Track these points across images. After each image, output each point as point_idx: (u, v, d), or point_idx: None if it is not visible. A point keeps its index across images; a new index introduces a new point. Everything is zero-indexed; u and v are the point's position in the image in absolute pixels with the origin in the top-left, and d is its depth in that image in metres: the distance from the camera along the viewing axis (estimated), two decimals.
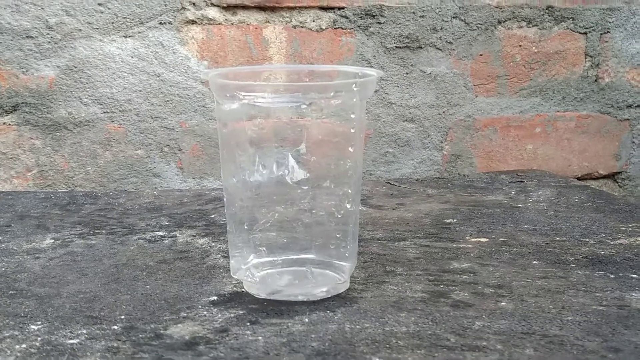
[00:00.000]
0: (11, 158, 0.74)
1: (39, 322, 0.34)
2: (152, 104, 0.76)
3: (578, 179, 0.84)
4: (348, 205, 0.38)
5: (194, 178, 0.78)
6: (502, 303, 0.36)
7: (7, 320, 0.34)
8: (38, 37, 0.72)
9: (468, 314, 0.35)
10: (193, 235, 0.51)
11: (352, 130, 0.37)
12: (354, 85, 0.36)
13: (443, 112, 0.81)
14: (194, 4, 0.75)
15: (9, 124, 0.74)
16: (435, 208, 0.59)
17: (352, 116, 0.37)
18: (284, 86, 0.39)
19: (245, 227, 0.38)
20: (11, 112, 0.74)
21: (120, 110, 0.75)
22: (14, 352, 0.31)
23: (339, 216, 0.37)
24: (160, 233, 0.51)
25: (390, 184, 0.71)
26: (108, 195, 0.66)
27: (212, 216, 0.57)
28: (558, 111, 0.83)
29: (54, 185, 0.75)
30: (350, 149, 0.37)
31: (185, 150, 0.77)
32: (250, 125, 0.37)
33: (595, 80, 0.84)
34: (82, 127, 0.75)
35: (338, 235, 0.38)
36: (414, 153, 0.81)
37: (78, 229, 0.52)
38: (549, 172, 0.78)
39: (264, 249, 0.38)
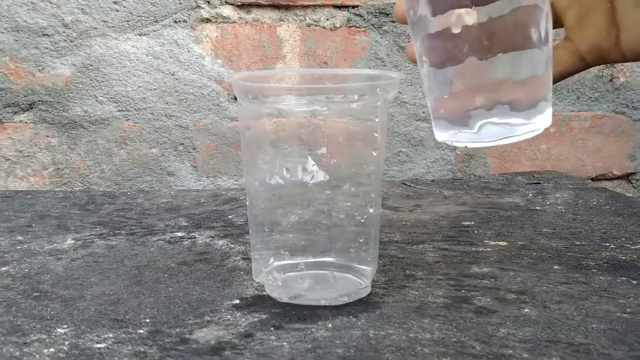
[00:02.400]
0: (27, 156, 0.75)
1: (65, 326, 0.34)
2: (167, 103, 0.76)
3: (592, 179, 0.83)
4: (371, 210, 0.38)
5: (208, 177, 0.78)
6: (526, 309, 0.36)
7: (33, 323, 0.35)
8: (54, 35, 0.73)
9: (492, 320, 0.35)
10: (212, 237, 0.51)
11: (376, 134, 0.37)
12: (378, 88, 0.36)
13: None
14: (208, 2, 0.75)
15: (26, 122, 0.74)
16: (452, 210, 0.59)
17: (376, 120, 0.37)
18: (308, 89, 0.39)
19: (266, 229, 0.38)
20: (27, 110, 0.74)
21: (135, 109, 0.75)
22: (43, 356, 0.31)
23: (362, 220, 0.37)
24: (180, 234, 0.51)
25: (405, 184, 0.71)
26: (126, 195, 0.66)
27: (230, 217, 0.57)
28: (572, 111, 0.83)
29: (69, 183, 0.76)
30: (374, 153, 0.37)
31: (199, 148, 0.77)
32: (271, 128, 0.37)
33: (610, 80, 0.83)
34: (97, 126, 0.75)
35: (360, 240, 0.38)
36: (427, 152, 0.81)
37: (98, 229, 0.53)
38: (565, 173, 0.78)
39: (285, 252, 0.38)
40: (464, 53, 0.35)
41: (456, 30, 0.35)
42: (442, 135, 0.38)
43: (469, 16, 0.34)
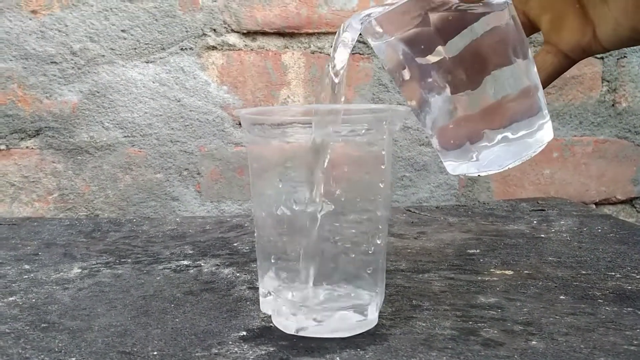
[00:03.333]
0: (33, 182, 0.75)
1: (74, 358, 0.34)
2: (172, 128, 0.77)
3: (596, 204, 0.84)
4: (378, 241, 0.38)
5: (212, 202, 0.78)
6: (533, 342, 0.36)
7: (42, 356, 0.35)
8: (62, 62, 0.74)
9: (500, 353, 0.35)
10: (217, 265, 0.51)
11: (383, 167, 0.37)
12: (384, 121, 0.37)
13: None
14: (214, 30, 0.76)
15: (32, 148, 0.75)
16: (457, 238, 0.59)
17: (383, 152, 0.37)
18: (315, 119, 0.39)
19: (273, 260, 0.39)
20: (34, 136, 0.75)
21: (140, 135, 0.76)
22: None
23: (370, 252, 0.38)
24: (185, 262, 0.52)
25: (410, 211, 0.71)
26: (131, 222, 0.66)
27: (235, 244, 0.57)
28: (575, 136, 0.83)
29: (74, 208, 0.76)
30: (381, 185, 0.38)
31: (204, 174, 0.77)
32: (279, 159, 0.38)
33: (613, 105, 0.84)
34: (103, 151, 0.76)
35: (368, 272, 0.38)
36: (430, 177, 0.81)
37: (104, 257, 0.53)
38: (569, 200, 0.78)
39: (292, 283, 0.39)
40: (451, 89, 0.36)
41: (434, 71, 0.36)
42: (452, 167, 0.39)
43: (438, 56, 0.35)
